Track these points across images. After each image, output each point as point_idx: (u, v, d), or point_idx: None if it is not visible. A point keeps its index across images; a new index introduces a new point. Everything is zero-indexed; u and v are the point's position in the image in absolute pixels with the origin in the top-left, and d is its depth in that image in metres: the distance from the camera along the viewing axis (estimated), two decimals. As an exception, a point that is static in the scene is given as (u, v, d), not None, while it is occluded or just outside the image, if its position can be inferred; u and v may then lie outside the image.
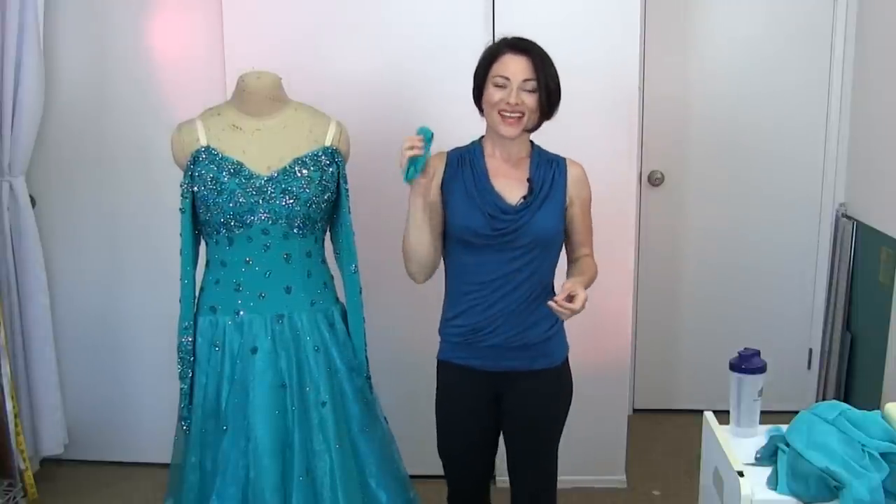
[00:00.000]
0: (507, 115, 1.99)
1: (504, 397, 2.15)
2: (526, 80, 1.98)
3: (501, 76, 1.98)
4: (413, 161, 1.89)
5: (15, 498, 2.87)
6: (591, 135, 2.98)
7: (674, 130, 3.72)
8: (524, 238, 2.03)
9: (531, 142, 2.14)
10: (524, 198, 2.05)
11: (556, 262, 2.14)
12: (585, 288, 2.03)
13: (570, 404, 2.21)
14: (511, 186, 2.06)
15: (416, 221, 2.00)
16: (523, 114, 1.99)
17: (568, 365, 2.20)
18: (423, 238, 2.02)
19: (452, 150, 2.14)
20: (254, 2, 2.96)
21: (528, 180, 2.06)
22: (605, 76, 2.95)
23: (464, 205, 2.05)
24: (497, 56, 2.01)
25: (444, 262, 2.14)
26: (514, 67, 1.98)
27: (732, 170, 3.72)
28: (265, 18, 2.96)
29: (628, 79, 2.97)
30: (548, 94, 2.00)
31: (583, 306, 1.91)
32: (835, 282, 3.60)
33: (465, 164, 2.09)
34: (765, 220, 3.73)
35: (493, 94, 2.00)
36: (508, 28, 2.77)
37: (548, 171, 2.08)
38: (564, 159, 2.13)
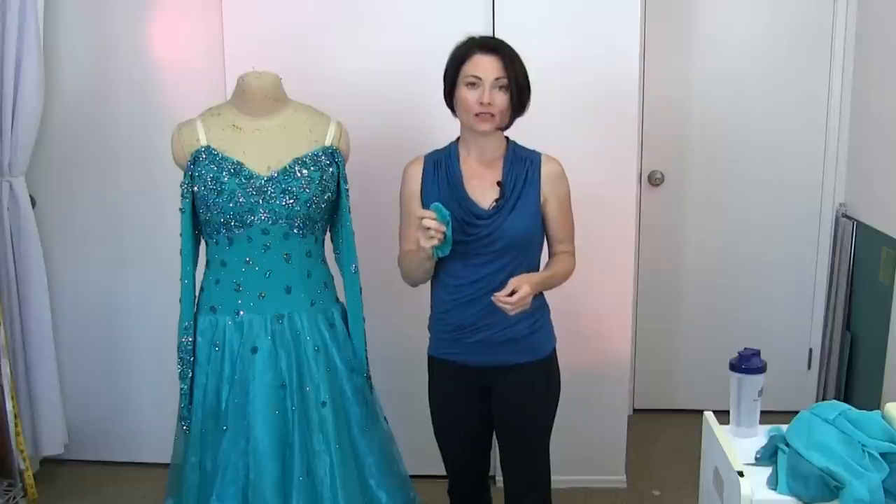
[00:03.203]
0: (482, 113, 2.00)
1: (492, 391, 2.17)
2: (497, 79, 1.99)
3: (473, 75, 2.00)
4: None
5: (15, 498, 2.87)
6: (591, 135, 2.98)
7: (674, 131, 3.72)
8: (499, 242, 2.05)
9: (507, 139, 2.15)
10: (496, 201, 2.06)
11: (538, 258, 2.15)
12: (550, 286, 2.10)
13: (558, 396, 2.23)
14: (485, 190, 2.08)
15: (421, 265, 2.07)
16: (495, 114, 2.00)
17: (555, 358, 2.21)
18: (423, 274, 2.12)
19: (429, 155, 2.16)
20: (254, 2, 2.96)
21: (498, 183, 2.07)
22: (605, 76, 2.95)
23: None
24: (467, 56, 2.02)
25: None
26: (485, 67, 1.99)
27: (732, 170, 3.72)
28: (265, 18, 2.96)
29: (628, 79, 2.97)
30: (518, 91, 2.01)
31: (522, 302, 1.94)
32: (835, 282, 3.60)
33: (441, 168, 2.12)
34: (765, 220, 3.73)
35: (466, 95, 2.01)
36: (509, 28, 2.80)
37: (521, 169, 2.09)
38: (540, 155, 2.13)
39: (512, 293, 1.94)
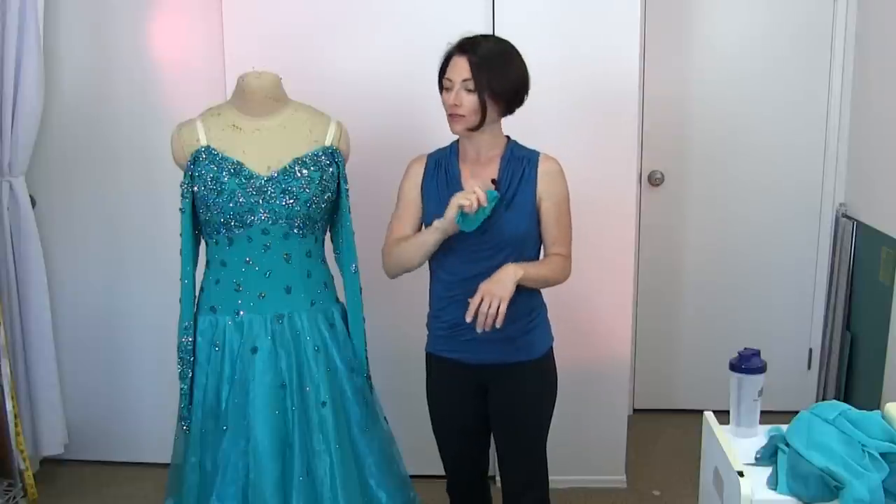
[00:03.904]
0: (453, 114, 2.03)
1: (489, 389, 2.18)
2: (465, 80, 2.00)
3: (446, 78, 2.04)
4: (465, 213, 1.95)
5: (15, 498, 2.87)
6: (591, 134, 2.98)
7: (674, 130, 3.72)
8: (493, 239, 2.05)
9: (507, 138, 2.15)
10: None
11: (536, 258, 2.15)
12: (544, 282, 2.09)
13: (555, 396, 2.24)
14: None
15: (427, 250, 2.07)
16: (464, 115, 2.01)
17: (552, 357, 2.22)
18: (419, 254, 2.10)
19: (431, 154, 2.18)
20: (254, 2, 2.96)
21: (493, 181, 2.08)
22: (605, 76, 2.95)
23: (437, 209, 2.08)
24: (448, 58, 2.05)
25: (428, 260, 2.17)
26: (456, 68, 2.02)
27: (732, 170, 3.72)
28: (265, 18, 2.96)
29: (628, 78, 2.97)
30: (493, 92, 2.00)
31: (484, 301, 1.92)
32: (835, 282, 3.60)
33: (441, 167, 2.14)
34: (764, 220, 3.73)
35: (443, 96, 2.05)
36: (508, 28, 2.80)
37: (518, 168, 2.09)
38: (538, 154, 2.13)
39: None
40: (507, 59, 2.04)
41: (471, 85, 1.99)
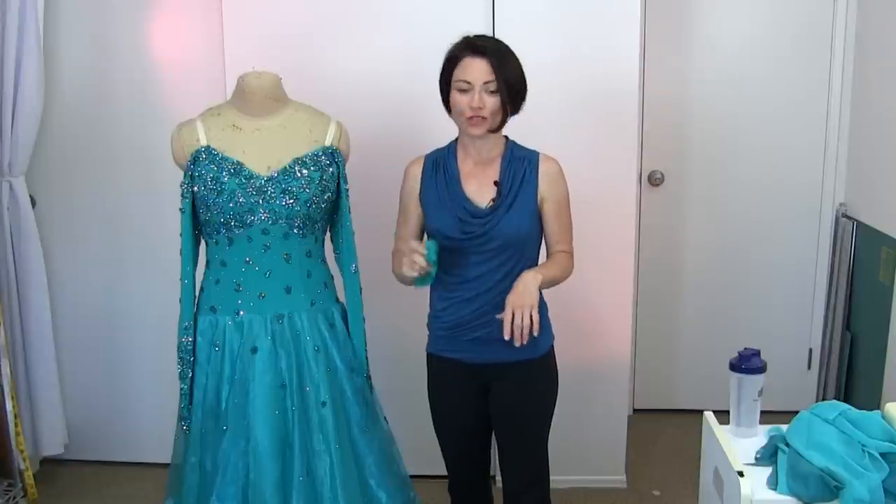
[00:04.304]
0: (473, 117, 2.01)
1: (490, 389, 2.18)
2: (486, 83, 1.99)
3: (463, 80, 2.01)
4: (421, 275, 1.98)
5: (15, 498, 2.87)
6: (591, 134, 2.98)
7: (673, 130, 3.72)
8: (495, 240, 2.06)
9: (506, 138, 2.15)
10: (493, 200, 2.06)
11: (536, 258, 2.16)
12: (552, 282, 2.08)
13: (556, 394, 2.24)
14: (482, 189, 2.09)
15: (402, 277, 2.08)
16: (486, 117, 2.01)
17: (553, 355, 2.22)
18: (406, 281, 2.12)
19: (429, 155, 2.18)
20: (254, 2, 2.96)
21: (495, 182, 2.08)
22: (605, 76, 2.95)
23: (437, 210, 2.10)
24: (458, 60, 2.03)
25: None
26: (474, 71, 1.99)
27: (732, 170, 3.72)
28: (265, 18, 2.96)
29: (628, 78, 2.97)
30: (509, 91, 2.01)
31: (518, 309, 1.92)
32: (835, 282, 3.60)
33: (440, 168, 2.13)
34: (765, 220, 3.73)
35: (458, 99, 2.02)
36: (508, 28, 2.80)
37: (518, 169, 2.09)
38: (538, 154, 2.13)
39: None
40: (510, 56, 2.04)
41: (493, 86, 1.99)
